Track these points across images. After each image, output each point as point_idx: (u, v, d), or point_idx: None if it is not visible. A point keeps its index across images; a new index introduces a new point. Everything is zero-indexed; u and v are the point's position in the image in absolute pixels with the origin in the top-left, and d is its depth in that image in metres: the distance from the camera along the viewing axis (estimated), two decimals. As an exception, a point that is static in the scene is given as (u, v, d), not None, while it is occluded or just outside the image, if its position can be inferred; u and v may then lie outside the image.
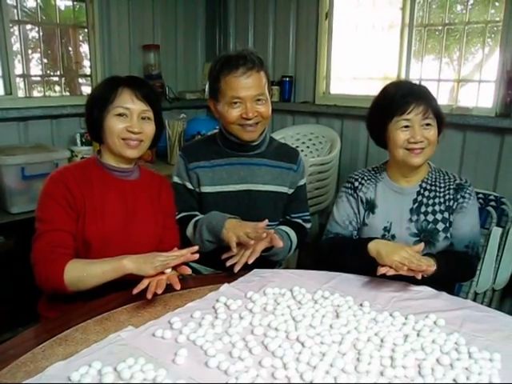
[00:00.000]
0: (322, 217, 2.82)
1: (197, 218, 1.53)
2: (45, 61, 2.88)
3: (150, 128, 1.36)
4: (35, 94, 2.86)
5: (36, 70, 2.88)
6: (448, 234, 1.48)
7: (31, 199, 2.19)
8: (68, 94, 3.00)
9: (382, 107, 1.47)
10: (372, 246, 1.35)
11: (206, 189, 1.56)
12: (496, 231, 2.02)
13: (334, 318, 1.14)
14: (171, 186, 1.56)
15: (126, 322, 1.11)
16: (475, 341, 1.05)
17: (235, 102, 1.46)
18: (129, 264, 1.18)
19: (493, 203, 2.07)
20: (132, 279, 1.18)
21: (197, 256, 1.21)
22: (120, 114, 1.32)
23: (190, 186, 1.58)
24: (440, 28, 2.61)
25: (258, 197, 1.57)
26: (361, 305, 1.21)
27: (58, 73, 2.95)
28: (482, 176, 2.36)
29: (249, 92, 1.45)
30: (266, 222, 1.37)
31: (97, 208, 1.31)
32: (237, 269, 1.36)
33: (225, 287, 1.30)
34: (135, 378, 0.88)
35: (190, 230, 1.51)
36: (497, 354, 0.98)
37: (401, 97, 1.43)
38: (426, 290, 1.32)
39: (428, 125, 1.42)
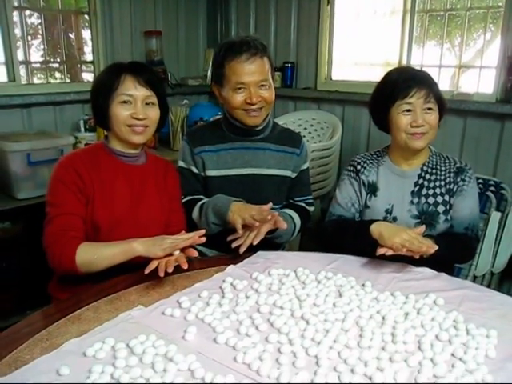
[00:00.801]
0: (323, 201, 2.85)
1: (202, 201, 1.56)
2: (46, 47, 2.88)
3: (154, 113, 1.38)
4: (36, 80, 2.87)
5: (37, 56, 2.89)
6: (448, 217, 1.51)
7: (37, 185, 2.23)
8: (72, 80, 3.01)
9: (384, 92, 1.50)
10: (374, 228, 1.39)
11: (211, 173, 1.59)
12: (495, 216, 2.06)
13: (336, 297, 1.18)
14: (176, 170, 1.59)
15: (136, 302, 1.15)
16: (473, 318, 1.09)
17: (239, 88, 1.49)
18: (138, 246, 1.21)
19: (492, 188, 2.10)
20: (140, 262, 1.22)
21: (204, 239, 1.24)
22: (124, 101, 1.33)
23: (195, 170, 1.61)
24: (442, 13, 2.61)
25: (261, 180, 1.60)
26: (363, 285, 1.25)
27: (59, 59, 2.96)
28: (482, 161, 2.38)
29: (252, 78, 1.47)
30: (271, 204, 1.41)
31: (106, 192, 1.34)
32: (242, 250, 1.40)
33: (231, 268, 1.34)
34: (147, 353, 0.92)
35: (195, 213, 1.54)
36: (493, 331, 1.03)
37: (403, 81, 1.45)
38: (426, 271, 1.35)
39: (429, 109, 1.45)
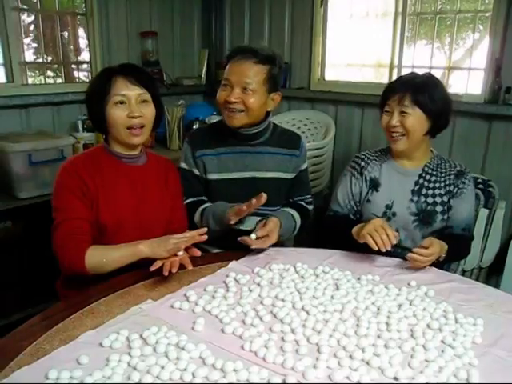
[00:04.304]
0: (317, 199, 2.91)
1: (203, 207, 1.61)
2: (43, 48, 2.91)
3: (149, 110, 1.40)
4: (34, 81, 2.90)
5: (35, 57, 2.92)
6: (445, 216, 1.59)
7: (38, 185, 2.27)
8: (68, 81, 3.04)
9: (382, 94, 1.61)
10: (353, 230, 1.49)
11: (212, 176, 1.64)
12: (483, 213, 2.14)
13: (334, 290, 1.26)
14: (178, 170, 1.63)
15: (145, 296, 1.21)
16: (461, 309, 1.18)
17: (225, 84, 1.56)
18: (145, 249, 1.26)
19: (480, 186, 2.18)
20: (145, 263, 1.27)
21: (205, 237, 1.28)
22: (119, 102, 1.36)
23: (196, 172, 1.66)
24: (432, 16, 2.69)
25: (261, 183, 1.64)
26: (358, 278, 1.33)
27: (57, 60, 2.99)
28: (471, 160, 2.46)
29: (236, 77, 1.52)
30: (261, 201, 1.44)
31: (109, 195, 1.38)
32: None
33: (233, 264, 1.41)
34: (160, 343, 0.98)
35: (197, 218, 1.60)
36: (480, 320, 1.11)
37: (391, 84, 1.57)
38: (418, 265, 1.43)
39: (404, 112, 1.51)
